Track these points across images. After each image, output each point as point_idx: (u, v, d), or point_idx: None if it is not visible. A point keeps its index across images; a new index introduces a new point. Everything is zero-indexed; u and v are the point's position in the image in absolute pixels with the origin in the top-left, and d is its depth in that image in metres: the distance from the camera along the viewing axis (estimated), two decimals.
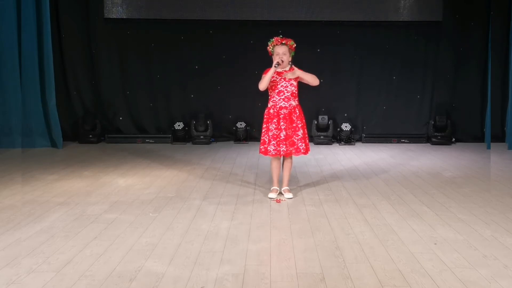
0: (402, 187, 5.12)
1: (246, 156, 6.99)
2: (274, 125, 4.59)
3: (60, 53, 8.22)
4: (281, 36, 4.61)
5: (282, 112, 4.58)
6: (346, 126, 8.24)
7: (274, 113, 4.60)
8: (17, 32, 7.39)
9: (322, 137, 8.18)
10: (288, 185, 4.77)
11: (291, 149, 4.60)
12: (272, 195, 4.63)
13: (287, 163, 4.73)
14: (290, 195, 4.64)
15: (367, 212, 4.18)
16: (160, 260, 3.10)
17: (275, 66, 4.45)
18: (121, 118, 8.48)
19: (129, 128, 8.49)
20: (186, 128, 8.14)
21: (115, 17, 8.18)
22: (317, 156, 7.00)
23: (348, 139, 8.21)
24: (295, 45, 4.71)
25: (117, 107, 8.47)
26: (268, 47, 4.66)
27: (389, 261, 3.07)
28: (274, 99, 4.62)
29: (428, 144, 8.25)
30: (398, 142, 8.33)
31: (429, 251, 3.25)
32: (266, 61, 8.47)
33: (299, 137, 4.61)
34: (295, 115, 4.61)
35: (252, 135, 8.42)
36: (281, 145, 4.57)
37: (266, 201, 4.54)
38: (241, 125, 8.30)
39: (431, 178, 5.57)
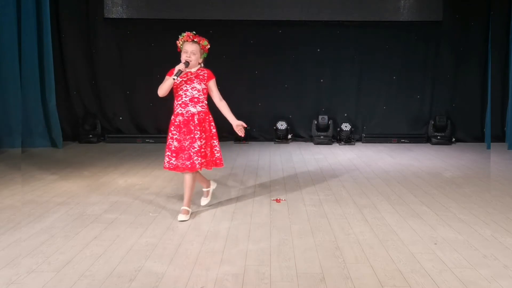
0: (402, 187, 5.11)
1: (246, 156, 6.99)
2: (170, 134, 4.00)
3: (60, 53, 8.23)
4: (194, 32, 3.98)
5: (178, 120, 3.98)
6: (346, 126, 8.24)
7: (172, 120, 4.02)
8: (17, 32, 7.39)
9: (322, 137, 8.18)
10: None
11: (187, 163, 3.90)
12: (182, 216, 3.92)
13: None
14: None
15: (367, 212, 4.18)
16: (160, 260, 3.10)
17: (179, 72, 3.83)
18: (121, 118, 8.49)
19: (129, 128, 8.49)
20: None
21: (115, 17, 8.18)
22: (317, 156, 7.00)
23: (348, 139, 8.21)
24: (208, 46, 4.04)
25: (117, 107, 8.47)
26: (178, 42, 4.00)
27: (389, 261, 3.07)
28: (174, 104, 4.04)
29: (428, 144, 8.25)
30: (398, 142, 8.33)
31: (429, 251, 3.25)
32: (267, 61, 8.56)
33: (195, 149, 3.90)
34: (193, 124, 3.95)
35: (252, 135, 8.44)
36: (172, 158, 3.96)
37: (266, 201, 4.54)
38: None
39: (431, 178, 5.57)
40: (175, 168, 3.96)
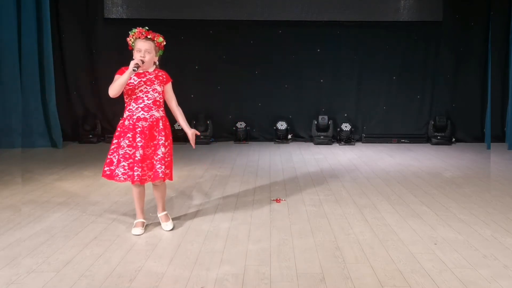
0: (402, 187, 5.11)
1: (246, 156, 6.99)
2: (127, 141, 3.53)
3: (60, 53, 8.23)
4: (146, 28, 3.59)
5: (140, 125, 3.53)
6: (346, 126, 8.24)
7: (129, 125, 3.55)
8: (17, 32, 7.39)
9: (322, 137, 8.19)
10: (165, 209, 3.79)
11: (149, 173, 3.56)
12: (137, 230, 3.58)
13: (156, 189, 3.72)
14: (169, 225, 3.68)
15: (367, 212, 4.18)
16: (160, 260, 3.10)
17: (133, 70, 3.42)
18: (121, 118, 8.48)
19: None
20: None
21: (115, 17, 8.18)
22: (317, 156, 7.00)
23: (348, 139, 8.21)
24: (164, 42, 3.67)
25: (117, 107, 8.46)
26: (128, 39, 3.59)
27: (389, 261, 3.07)
28: (131, 107, 3.57)
29: (428, 144, 8.25)
30: (398, 142, 8.33)
31: (429, 251, 3.25)
32: (267, 61, 8.56)
33: (159, 156, 3.55)
34: (157, 129, 3.58)
35: (252, 135, 8.45)
36: (135, 168, 3.49)
37: (266, 201, 4.54)
38: (241, 125, 8.31)
39: (431, 178, 5.57)
40: (139, 180, 3.50)
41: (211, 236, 3.56)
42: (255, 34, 8.31)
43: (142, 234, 3.58)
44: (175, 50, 8.38)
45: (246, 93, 8.45)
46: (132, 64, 3.44)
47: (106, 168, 3.57)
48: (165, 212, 3.77)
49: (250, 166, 6.27)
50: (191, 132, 3.69)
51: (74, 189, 4.95)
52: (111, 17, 8.18)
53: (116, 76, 3.50)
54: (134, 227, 3.64)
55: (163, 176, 3.56)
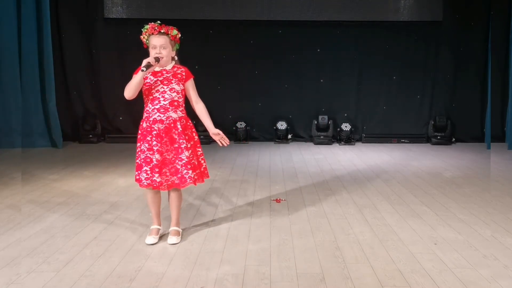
0: (402, 187, 5.11)
1: (246, 156, 6.99)
2: (147, 145, 3.33)
3: (60, 53, 8.23)
4: (158, 22, 3.35)
5: (156, 128, 3.33)
6: (346, 126, 8.24)
7: (147, 128, 3.36)
8: (17, 32, 7.39)
9: (322, 137, 8.19)
10: (178, 224, 3.55)
11: (173, 178, 3.35)
12: (150, 239, 3.38)
13: (173, 198, 3.48)
14: (174, 239, 3.39)
15: (367, 212, 4.18)
16: (160, 260, 3.10)
17: (142, 70, 3.22)
18: (121, 118, 8.48)
19: (129, 128, 8.48)
20: None
21: (115, 17, 8.18)
22: (317, 156, 7.00)
23: (348, 139, 8.22)
24: (179, 35, 3.40)
25: (117, 107, 8.47)
26: (142, 36, 3.41)
27: (389, 261, 3.07)
28: (148, 109, 3.41)
29: (428, 144, 8.25)
30: (398, 142, 8.33)
31: (429, 251, 3.25)
32: (267, 61, 8.57)
33: (184, 161, 3.33)
34: (177, 132, 3.36)
35: (252, 135, 8.46)
36: (154, 173, 3.30)
37: (266, 201, 4.54)
38: (241, 125, 8.31)
39: (431, 178, 5.57)
40: (159, 186, 3.32)
41: (211, 236, 3.56)
42: (255, 34, 8.31)
43: (156, 243, 3.37)
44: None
45: (246, 93, 8.45)
46: (144, 62, 3.23)
47: (136, 173, 3.39)
48: (176, 228, 3.49)
49: (250, 166, 6.27)
50: (213, 132, 3.48)
51: (74, 189, 4.95)
52: (111, 17, 8.18)
53: (134, 76, 3.30)
54: (148, 234, 3.44)
55: (191, 181, 3.33)
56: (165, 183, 3.34)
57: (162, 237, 3.50)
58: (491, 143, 7.66)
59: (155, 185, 3.31)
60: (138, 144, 3.39)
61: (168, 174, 3.34)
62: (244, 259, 3.11)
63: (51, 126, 7.67)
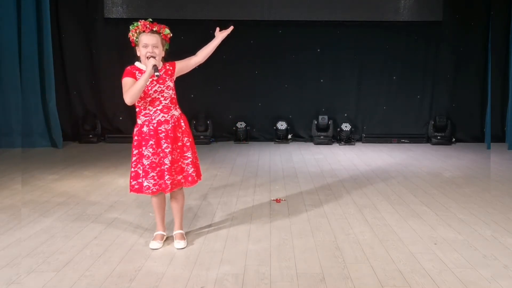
0: (402, 187, 5.11)
1: (246, 156, 6.99)
2: (151, 149, 3.17)
3: (60, 53, 8.23)
4: (150, 20, 3.20)
5: (163, 129, 3.19)
6: (346, 126, 8.24)
7: (149, 131, 3.18)
8: (17, 32, 7.39)
9: (322, 137, 8.19)
10: (182, 227, 3.47)
11: (178, 177, 3.27)
12: (155, 244, 3.31)
13: (175, 200, 3.40)
14: (182, 243, 3.31)
15: (367, 212, 4.18)
16: (160, 260, 3.10)
17: (157, 75, 3.05)
18: (121, 118, 8.48)
19: (129, 128, 8.47)
20: None
21: (115, 17, 8.18)
22: (317, 156, 7.00)
23: (348, 139, 8.21)
24: (170, 34, 3.27)
25: (117, 107, 8.47)
26: (130, 34, 3.18)
27: (389, 261, 3.07)
28: (147, 111, 3.20)
29: (428, 144, 8.25)
30: (398, 142, 8.33)
31: (429, 251, 3.25)
32: (267, 61, 8.56)
33: (189, 160, 3.29)
34: (180, 130, 3.28)
35: (252, 135, 8.46)
36: (166, 177, 3.18)
37: (266, 201, 4.54)
38: (241, 125, 8.31)
39: (431, 178, 5.57)
40: (166, 189, 3.22)
41: (211, 236, 3.56)
42: (255, 34, 8.31)
43: (160, 248, 3.31)
44: (175, 50, 8.39)
45: (246, 93, 8.45)
46: (150, 65, 3.05)
47: (134, 182, 3.23)
48: (181, 231, 3.42)
49: (250, 166, 6.27)
50: (219, 35, 3.35)
51: (74, 189, 4.95)
52: (111, 17, 8.18)
53: (126, 80, 3.10)
54: (152, 239, 3.36)
55: (192, 180, 3.30)
56: (170, 185, 3.23)
57: (165, 240, 3.50)
58: (491, 143, 7.66)
59: (168, 189, 3.20)
60: (137, 151, 3.22)
61: (173, 173, 3.25)
62: (244, 259, 3.11)
63: (51, 126, 7.67)
